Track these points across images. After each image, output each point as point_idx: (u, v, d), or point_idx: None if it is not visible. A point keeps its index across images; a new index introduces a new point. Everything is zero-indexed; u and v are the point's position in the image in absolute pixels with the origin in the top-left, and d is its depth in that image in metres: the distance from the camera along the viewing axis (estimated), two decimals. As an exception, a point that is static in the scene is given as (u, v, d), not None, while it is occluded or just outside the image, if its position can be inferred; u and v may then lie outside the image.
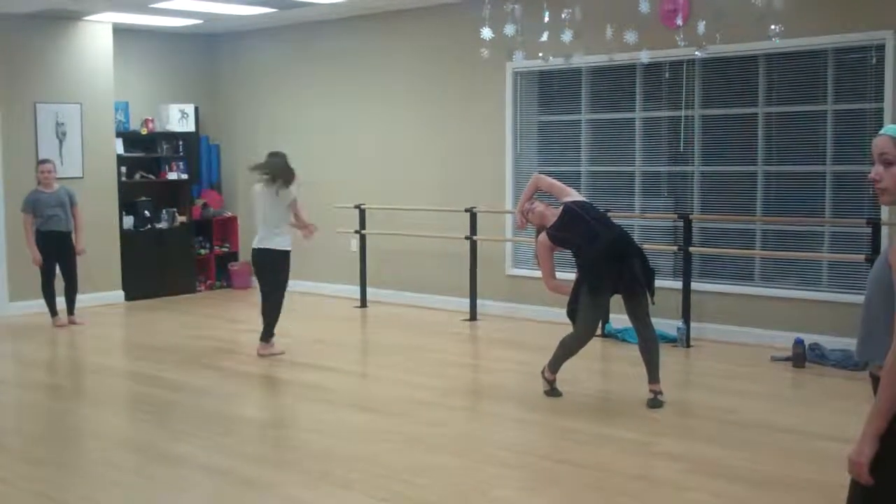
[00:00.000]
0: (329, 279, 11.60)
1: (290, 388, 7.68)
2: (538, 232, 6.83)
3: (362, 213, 10.98)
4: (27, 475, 5.39)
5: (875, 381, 2.89)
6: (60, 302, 10.10)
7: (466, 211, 10.00)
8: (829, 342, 7.94)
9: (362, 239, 11.03)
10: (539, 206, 6.86)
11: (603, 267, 6.54)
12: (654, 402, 6.58)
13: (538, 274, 8.75)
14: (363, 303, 11.03)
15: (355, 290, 11.14)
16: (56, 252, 9.93)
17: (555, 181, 7.08)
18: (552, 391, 6.86)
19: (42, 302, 10.60)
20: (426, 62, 10.76)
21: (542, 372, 6.93)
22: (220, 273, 12.76)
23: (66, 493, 5.07)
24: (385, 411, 6.63)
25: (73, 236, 10.08)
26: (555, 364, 6.86)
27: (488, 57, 7.96)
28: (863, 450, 2.76)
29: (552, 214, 6.73)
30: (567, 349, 6.80)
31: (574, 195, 6.90)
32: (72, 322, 10.07)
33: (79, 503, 4.94)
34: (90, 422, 6.70)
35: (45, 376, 8.04)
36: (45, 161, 10.16)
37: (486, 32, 7.72)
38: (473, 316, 10.06)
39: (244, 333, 8.41)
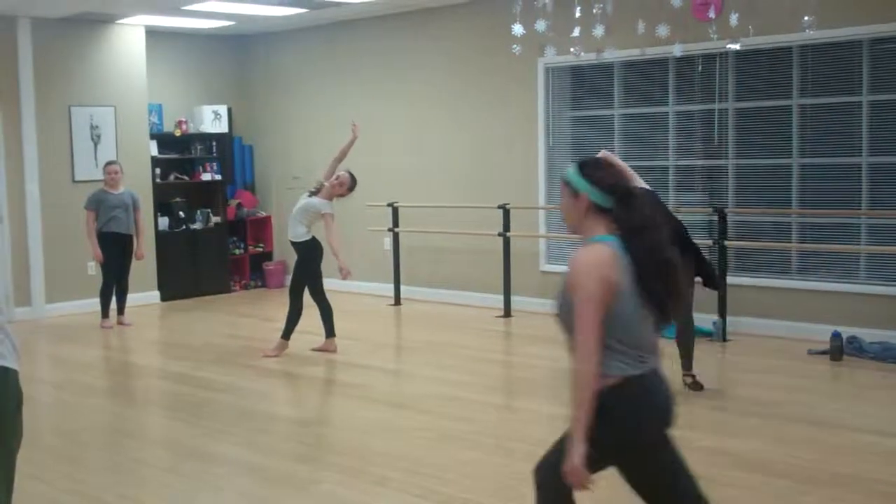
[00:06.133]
0: (362, 277, 11.61)
1: (325, 386, 7.71)
2: None
3: (395, 211, 10.99)
4: (65, 474, 5.43)
5: None
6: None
7: (499, 207, 9.97)
8: (867, 335, 7.85)
9: (395, 237, 11.04)
10: None
11: None
12: (695, 385, 6.70)
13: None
14: (397, 300, 11.04)
15: (389, 288, 11.15)
16: (114, 253, 9.97)
17: (623, 164, 7.10)
18: None
19: (81, 302, 10.74)
20: (458, 59, 10.75)
21: None
22: (254, 273, 12.82)
23: (103, 492, 5.11)
24: (419, 408, 6.63)
25: (134, 240, 10.14)
26: None
27: (520, 53, 7.94)
28: (577, 455, 3.02)
29: None
30: None
31: (641, 182, 6.91)
32: (120, 323, 10.14)
33: (116, 501, 4.97)
34: (127, 421, 6.75)
35: (82, 376, 8.10)
36: (111, 162, 10.19)
37: (518, 28, 7.69)
38: (507, 312, 10.04)
39: (279, 332, 8.42)
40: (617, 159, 7.09)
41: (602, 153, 7.12)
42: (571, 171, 3.26)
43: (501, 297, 10.08)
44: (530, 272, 10.21)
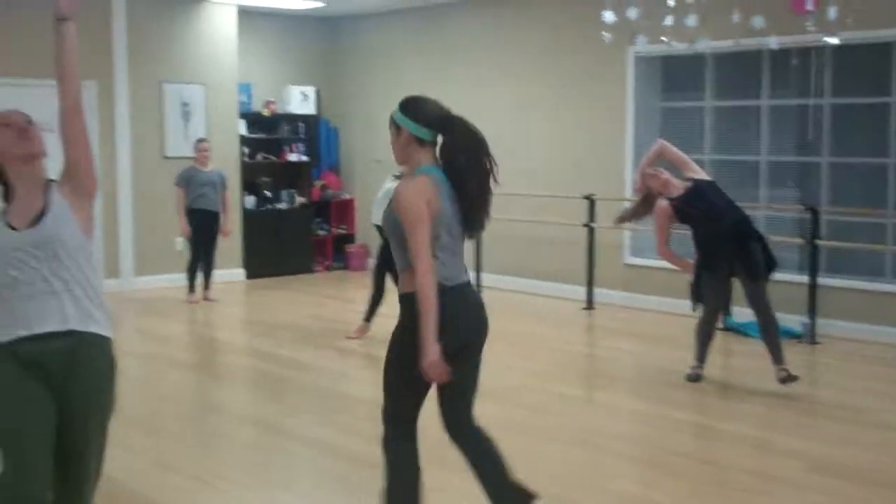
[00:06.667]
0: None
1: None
2: (651, 197, 6.83)
3: (479, 197, 10.92)
4: (147, 444, 5.53)
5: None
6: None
7: (585, 198, 9.87)
8: (963, 343, 7.61)
9: (478, 224, 10.98)
10: (666, 174, 6.86)
11: (721, 247, 6.59)
12: (789, 378, 6.53)
13: (658, 263, 8.63)
14: (479, 289, 11.00)
15: (472, 276, 11.09)
16: (201, 230, 10.13)
17: (681, 153, 7.08)
18: (695, 377, 6.91)
19: (168, 276, 10.96)
20: (547, 46, 10.65)
21: (693, 368, 6.95)
22: (336, 255, 12.90)
23: (183, 462, 5.19)
24: (498, 399, 6.58)
25: (221, 217, 10.28)
26: (699, 354, 6.92)
27: (610, 41, 7.83)
28: (431, 354, 3.46)
29: (676, 187, 6.77)
30: (702, 334, 6.88)
31: (700, 172, 6.97)
32: (206, 298, 10.32)
33: (195, 472, 5.04)
34: (209, 395, 6.85)
35: (167, 349, 8.24)
36: (202, 140, 10.39)
37: (609, 15, 7.58)
38: (590, 305, 9.94)
39: (361, 315, 8.46)
40: (673, 149, 7.05)
41: (658, 142, 7.14)
42: (396, 109, 3.68)
43: (584, 289, 9.98)
44: (615, 265, 10.09)
